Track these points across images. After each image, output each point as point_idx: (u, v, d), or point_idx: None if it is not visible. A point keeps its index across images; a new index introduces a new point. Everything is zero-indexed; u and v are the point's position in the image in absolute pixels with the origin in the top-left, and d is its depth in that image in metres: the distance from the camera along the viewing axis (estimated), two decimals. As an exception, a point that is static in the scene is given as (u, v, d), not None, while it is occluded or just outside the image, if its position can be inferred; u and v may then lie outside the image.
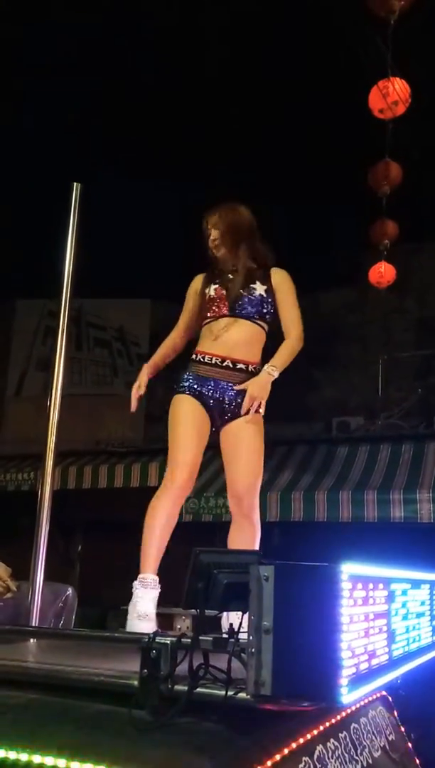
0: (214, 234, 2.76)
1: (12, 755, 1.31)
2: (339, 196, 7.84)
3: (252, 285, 2.72)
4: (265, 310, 2.71)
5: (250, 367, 2.67)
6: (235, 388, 2.59)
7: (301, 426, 9.27)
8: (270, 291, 2.72)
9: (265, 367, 2.59)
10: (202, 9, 6.63)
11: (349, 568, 1.28)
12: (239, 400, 2.62)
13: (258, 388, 2.55)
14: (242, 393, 2.62)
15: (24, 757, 1.30)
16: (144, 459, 8.28)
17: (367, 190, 6.32)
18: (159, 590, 2.47)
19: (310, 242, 8.49)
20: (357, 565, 1.36)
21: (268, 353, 2.81)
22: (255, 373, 2.65)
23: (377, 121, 5.51)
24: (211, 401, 2.65)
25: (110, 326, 10.74)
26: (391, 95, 5.17)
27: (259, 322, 2.70)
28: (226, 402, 2.64)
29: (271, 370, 2.59)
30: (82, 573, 8.90)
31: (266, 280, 2.74)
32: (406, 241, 7.56)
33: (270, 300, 2.72)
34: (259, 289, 2.72)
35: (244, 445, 2.62)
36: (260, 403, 2.55)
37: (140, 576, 2.45)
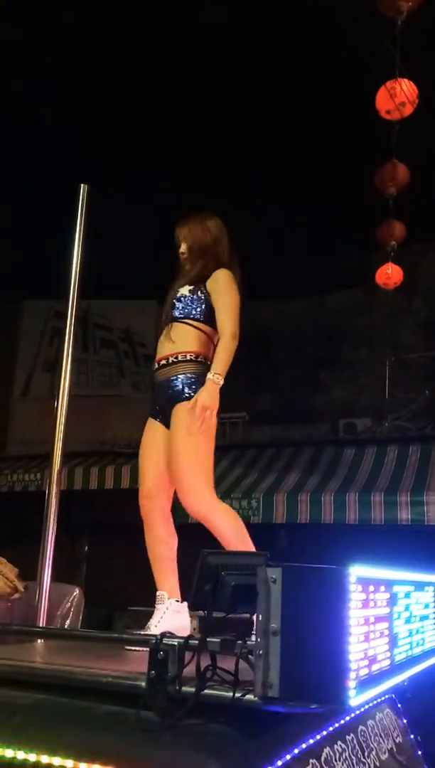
0: (182, 247, 2.80)
1: (20, 755, 1.31)
2: (346, 198, 7.83)
3: (180, 288, 2.72)
4: (188, 311, 2.65)
5: (171, 359, 2.60)
6: (187, 410, 2.50)
7: (307, 427, 9.27)
8: (198, 291, 2.66)
9: (209, 375, 2.51)
10: (204, 9, 6.63)
11: (357, 571, 1.28)
12: (163, 402, 2.59)
13: (207, 397, 2.47)
14: (167, 393, 2.56)
15: (32, 757, 1.30)
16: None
17: (373, 192, 6.31)
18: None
19: (317, 244, 8.48)
20: (365, 567, 1.36)
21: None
22: (176, 363, 2.58)
23: (384, 122, 5.50)
24: (158, 407, 2.65)
25: (117, 327, 10.76)
26: (398, 96, 5.16)
27: (186, 321, 2.63)
28: (162, 403, 2.62)
29: (216, 378, 2.50)
30: (88, 573, 8.92)
31: (202, 284, 2.70)
32: (413, 242, 7.55)
33: (196, 299, 2.65)
34: (183, 290, 2.69)
35: (173, 445, 2.53)
36: (211, 412, 2.48)
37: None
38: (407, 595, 1.71)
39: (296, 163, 7.75)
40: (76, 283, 2.64)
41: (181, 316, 2.64)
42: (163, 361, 2.61)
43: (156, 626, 2.23)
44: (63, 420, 2.51)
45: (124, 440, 9.48)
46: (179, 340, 2.61)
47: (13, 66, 7.14)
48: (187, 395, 2.51)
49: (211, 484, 2.57)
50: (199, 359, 2.59)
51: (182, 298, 2.67)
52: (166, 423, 2.58)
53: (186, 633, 2.12)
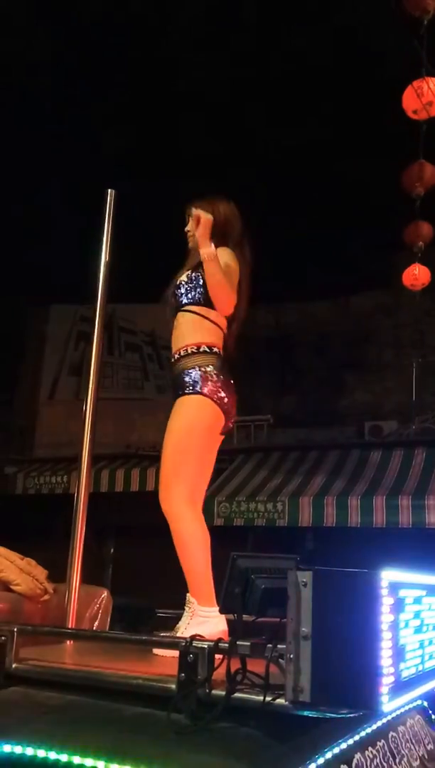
0: (189, 225, 2.65)
1: (52, 755, 1.32)
2: (372, 198, 7.78)
3: (179, 276, 2.60)
4: (189, 297, 2.51)
5: (182, 352, 2.48)
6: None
7: (332, 430, 9.21)
8: (195, 273, 2.51)
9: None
10: (225, 6, 6.64)
11: (388, 575, 1.27)
12: (174, 397, 2.48)
13: (203, 228, 2.40)
14: (175, 387, 2.46)
15: (63, 758, 1.31)
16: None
17: (401, 192, 6.25)
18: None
19: (343, 245, 8.44)
20: (396, 571, 1.34)
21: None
22: (184, 357, 2.46)
23: (411, 122, 5.44)
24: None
25: (141, 330, 10.81)
26: (425, 95, 5.11)
27: (188, 309, 2.52)
28: (174, 397, 2.50)
29: (212, 249, 2.39)
30: (114, 575, 8.96)
31: (201, 266, 2.52)
32: (440, 242, 7.46)
33: (193, 282, 2.51)
34: (182, 276, 2.56)
35: (166, 432, 2.44)
36: (201, 227, 2.39)
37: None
38: (418, 600, 1.67)
39: (322, 164, 7.73)
40: (103, 288, 2.66)
41: (183, 303, 2.52)
42: (176, 355, 2.51)
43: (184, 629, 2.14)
44: (90, 423, 2.52)
45: (149, 443, 9.52)
46: (186, 332, 2.50)
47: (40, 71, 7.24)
48: (189, 390, 2.39)
49: (193, 489, 2.38)
50: (201, 350, 2.45)
51: (181, 285, 2.54)
52: None
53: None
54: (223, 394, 2.40)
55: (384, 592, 1.24)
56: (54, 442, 9.92)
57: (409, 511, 7.07)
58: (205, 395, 2.38)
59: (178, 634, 2.14)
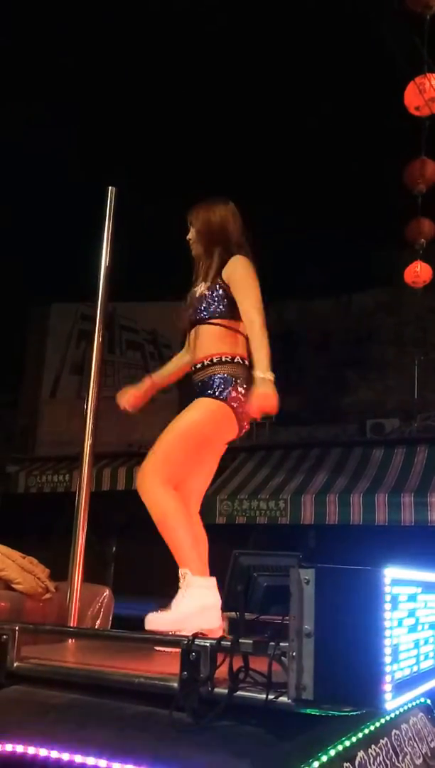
0: (191, 233, 2.65)
1: (54, 755, 1.32)
2: (374, 195, 7.77)
3: (197, 288, 2.57)
4: (211, 310, 2.50)
5: (206, 362, 2.47)
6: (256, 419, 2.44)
7: (334, 428, 9.20)
8: (216, 286, 2.51)
9: (258, 374, 2.37)
10: (228, 7, 6.63)
11: (391, 573, 1.26)
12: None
13: (262, 400, 2.36)
14: (199, 392, 2.47)
15: (65, 756, 1.31)
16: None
17: (402, 189, 6.24)
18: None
19: (344, 242, 8.42)
20: (399, 569, 1.33)
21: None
22: (211, 365, 2.46)
23: (413, 119, 5.43)
24: None
25: (142, 329, 10.81)
26: (427, 92, 5.09)
27: (211, 322, 2.51)
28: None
29: (268, 376, 2.35)
30: (116, 573, 8.97)
31: (219, 277, 2.53)
32: (442, 239, 7.43)
33: (215, 295, 2.50)
34: (201, 289, 2.55)
35: (176, 420, 2.45)
36: (271, 408, 2.37)
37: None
38: (413, 598, 1.65)
39: (324, 161, 7.71)
40: (104, 286, 2.65)
41: (206, 317, 2.52)
42: (199, 365, 2.50)
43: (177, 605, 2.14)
44: (92, 421, 2.51)
45: (150, 441, 9.48)
46: (214, 342, 2.50)
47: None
48: (213, 393, 2.40)
49: (172, 467, 2.38)
50: (235, 360, 2.47)
51: (203, 298, 2.54)
52: None
53: (216, 613, 1.98)
54: (242, 408, 2.43)
55: (387, 589, 1.23)
56: (56, 441, 9.92)
57: (411, 509, 7.06)
58: (227, 403, 2.41)
59: (174, 608, 2.15)
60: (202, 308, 2.53)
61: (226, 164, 7.66)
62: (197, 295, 2.56)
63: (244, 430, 2.53)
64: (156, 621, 2.12)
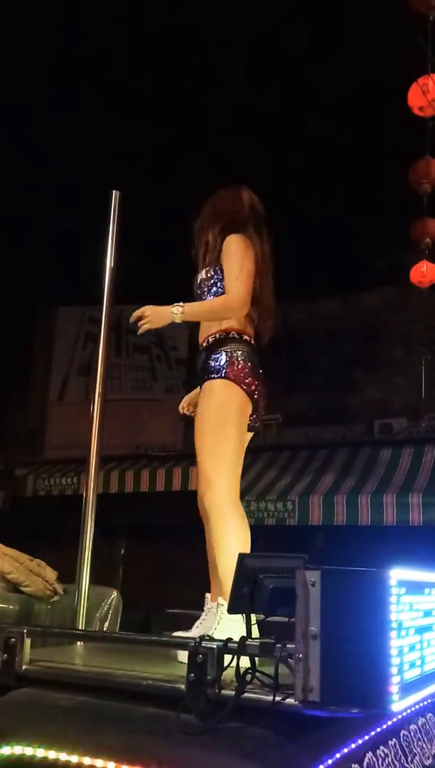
0: (197, 222, 2.61)
1: (62, 757, 1.33)
2: (379, 195, 7.75)
3: (198, 275, 2.53)
4: (213, 291, 2.45)
5: (209, 340, 2.42)
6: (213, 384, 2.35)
7: (342, 428, 9.18)
8: (214, 269, 2.46)
9: (173, 308, 2.34)
10: (231, 6, 6.63)
11: (398, 574, 1.26)
12: (200, 384, 2.43)
13: (151, 310, 2.38)
14: (202, 373, 2.40)
15: (74, 759, 1.32)
16: (185, 463, 8.31)
17: (407, 189, 6.23)
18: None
19: (350, 242, 8.41)
20: (405, 570, 1.33)
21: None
22: (211, 344, 2.39)
23: (417, 119, 5.42)
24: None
25: (149, 331, 10.83)
26: (430, 92, 5.09)
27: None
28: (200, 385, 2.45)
29: (175, 309, 2.33)
30: (125, 576, 8.98)
31: (218, 260, 2.47)
32: (448, 239, 7.40)
33: (212, 277, 2.45)
34: (201, 275, 2.51)
35: (197, 418, 2.37)
36: (146, 322, 2.39)
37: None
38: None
39: (329, 161, 7.70)
40: (109, 289, 2.66)
41: (207, 299, 2.46)
42: (204, 344, 2.45)
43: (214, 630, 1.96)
44: (98, 424, 2.52)
45: (158, 444, 9.53)
46: (209, 324, 2.46)
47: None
48: (214, 375, 2.32)
49: (234, 478, 2.26)
50: (230, 335, 2.39)
51: (202, 284, 2.48)
52: None
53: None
54: (249, 380, 2.33)
55: (393, 590, 1.23)
56: (64, 444, 9.95)
57: (419, 509, 7.04)
58: (230, 379, 2.31)
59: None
60: (202, 292, 2.49)
61: (227, 165, 7.67)
62: (198, 281, 2.53)
63: (261, 410, 2.43)
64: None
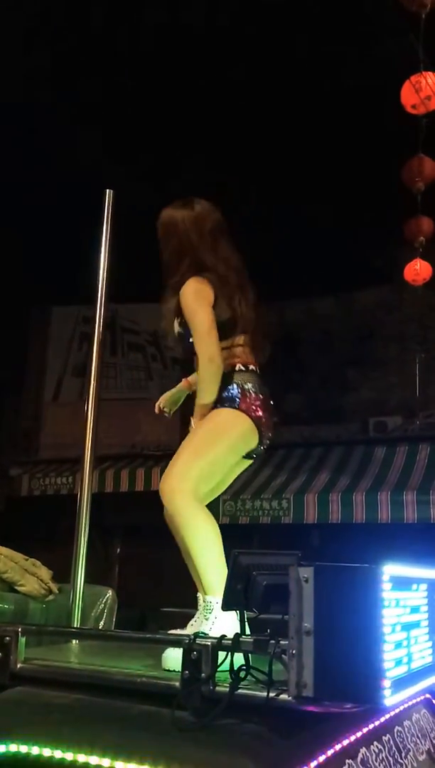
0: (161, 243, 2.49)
1: (57, 754, 1.33)
2: (373, 194, 7.77)
3: (173, 325, 2.44)
4: (191, 342, 2.38)
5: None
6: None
7: (337, 427, 9.20)
8: (181, 320, 2.39)
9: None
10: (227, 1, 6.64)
11: (390, 569, 1.27)
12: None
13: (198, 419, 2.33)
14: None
15: (69, 756, 1.32)
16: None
17: (401, 187, 6.24)
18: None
19: (344, 241, 8.43)
20: (398, 565, 1.34)
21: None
22: (227, 374, 2.35)
23: (410, 117, 5.43)
24: None
25: (144, 331, 10.82)
26: (423, 90, 5.11)
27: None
28: None
29: (198, 413, 2.32)
30: (120, 575, 8.98)
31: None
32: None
33: (185, 333, 2.39)
34: (176, 328, 2.43)
35: (192, 432, 2.35)
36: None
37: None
38: None
39: (323, 160, 7.71)
40: (103, 288, 2.66)
41: (191, 350, 2.38)
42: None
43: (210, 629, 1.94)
44: (92, 423, 2.52)
45: (153, 443, 9.53)
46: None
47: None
48: (227, 405, 2.31)
49: (204, 484, 2.26)
50: (237, 369, 2.36)
51: (180, 337, 2.42)
52: None
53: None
54: (260, 413, 2.34)
55: (385, 586, 1.24)
56: (59, 444, 9.94)
57: (414, 507, 7.07)
58: (241, 410, 2.31)
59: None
60: (188, 347, 2.41)
61: (225, 164, 7.67)
62: (176, 333, 2.44)
63: (266, 439, 2.42)
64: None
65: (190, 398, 2.56)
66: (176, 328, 2.43)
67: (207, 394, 2.32)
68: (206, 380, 2.33)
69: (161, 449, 9.30)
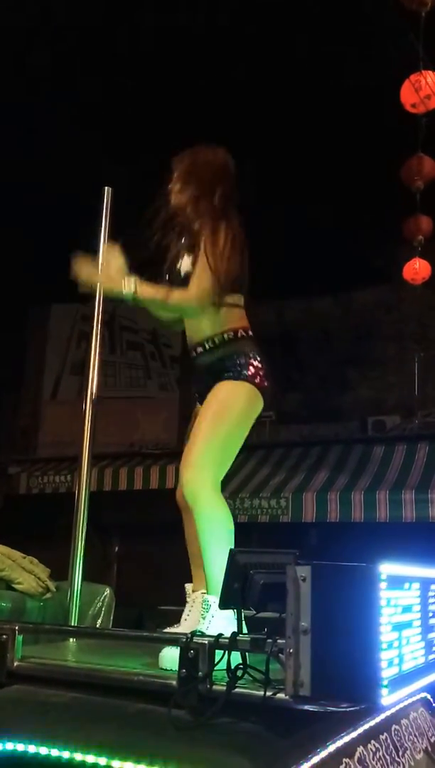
0: (171, 183, 2.43)
1: (54, 753, 1.33)
2: (372, 193, 7.76)
3: (181, 262, 2.36)
4: None
5: (210, 343, 2.31)
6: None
7: (335, 426, 9.21)
8: (196, 255, 2.29)
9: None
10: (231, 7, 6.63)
11: (387, 568, 1.27)
12: (203, 387, 2.33)
13: (105, 276, 2.26)
14: (211, 375, 2.29)
15: (66, 755, 1.32)
16: (179, 461, 8.28)
17: (400, 186, 6.24)
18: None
19: (343, 240, 8.42)
20: (396, 564, 1.34)
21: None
22: (216, 346, 2.29)
23: (409, 116, 5.43)
24: (198, 394, 2.40)
25: (142, 329, 10.82)
26: (423, 89, 5.11)
27: None
28: (202, 388, 2.35)
29: (128, 288, 2.21)
30: (119, 573, 8.98)
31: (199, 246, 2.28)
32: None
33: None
34: (185, 265, 2.34)
35: (200, 414, 2.27)
36: (84, 283, 2.27)
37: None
38: None
39: (322, 159, 7.71)
40: (101, 287, 2.64)
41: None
42: (200, 348, 2.34)
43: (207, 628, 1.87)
44: (90, 421, 2.52)
45: (152, 441, 9.53)
46: (211, 322, 2.30)
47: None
48: (234, 375, 2.25)
49: (220, 471, 2.23)
50: (239, 335, 2.31)
51: (189, 276, 2.29)
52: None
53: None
54: (264, 381, 2.30)
55: (383, 585, 1.24)
56: (57, 442, 9.94)
57: (412, 506, 7.07)
58: (249, 381, 2.26)
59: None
60: (179, 284, 2.31)
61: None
62: (183, 272, 2.35)
63: (266, 405, 2.37)
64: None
65: (201, 396, 2.53)
66: (186, 266, 2.34)
67: (146, 293, 2.23)
68: (171, 307, 2.26)
69: (160, 448, 9.31)
